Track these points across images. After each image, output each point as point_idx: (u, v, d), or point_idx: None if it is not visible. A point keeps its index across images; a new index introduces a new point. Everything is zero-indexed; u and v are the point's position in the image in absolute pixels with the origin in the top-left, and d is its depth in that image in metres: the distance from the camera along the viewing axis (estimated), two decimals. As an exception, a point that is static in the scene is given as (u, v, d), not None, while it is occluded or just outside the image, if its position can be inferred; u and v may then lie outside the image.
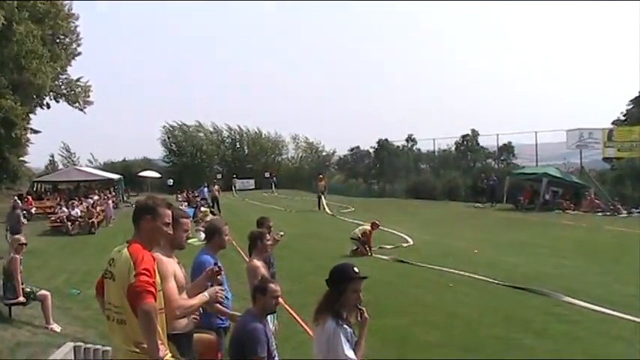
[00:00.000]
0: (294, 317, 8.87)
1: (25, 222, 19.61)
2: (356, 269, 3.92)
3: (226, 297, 5.40)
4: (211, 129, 62.09)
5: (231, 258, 12.50)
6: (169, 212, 3.83)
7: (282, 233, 7.66)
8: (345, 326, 3.82)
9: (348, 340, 3.77)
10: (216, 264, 4.89)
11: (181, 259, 4.46)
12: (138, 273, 3.39)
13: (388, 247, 16.88)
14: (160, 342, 3.43)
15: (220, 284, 4.52)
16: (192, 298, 4.26)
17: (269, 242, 6.58)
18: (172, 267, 4.17)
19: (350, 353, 3.73)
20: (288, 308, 8.90)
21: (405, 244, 17.58)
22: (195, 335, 4.46)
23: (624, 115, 39.46)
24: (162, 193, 42.64)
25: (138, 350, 3.46)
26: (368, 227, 16.11)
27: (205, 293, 4.32)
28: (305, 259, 14.83)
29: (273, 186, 51.37)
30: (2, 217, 20.25)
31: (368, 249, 15.69)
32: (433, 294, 11.15)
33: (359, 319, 3.92)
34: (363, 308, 3.92)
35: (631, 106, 39.13)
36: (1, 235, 17.80)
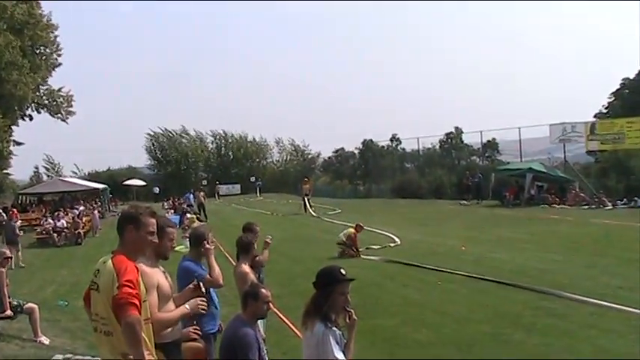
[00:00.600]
0: (284, 321, 8.86)
1: (21, 233, 19.64)
2: (343, 271, 3.91)
3: (215, 306, 5.39)
4: (194, 136, 62.10)
5: (219, 263, 12.43)
6: (153, 221, 3.79)
7: (270, 237, 7.66)
8: (334, 329, 3.81)
9: (337, 343, 3.76)
10: (197, 276, 4.88)
11: (167, 268, 4.43)
12: (121, 285, 3.36)
13: (376, 247, 16.92)
14: (147, 352, 3.41)
15: (203, 295, 4.47)
16: (173, 312, 4.20)
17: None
18: (156, 277, 4.11)
19: (340, 355, 3.72)
20: (277, 312, 8.88)
21: (392, 244, 17.62)
22: (183, 344, 4.43)
23: (606, 108, 39.94)
24: (148, 202, 42.54)
25: (125, 361, 3.43)
26: (352, 230, 16.13)
27: (187, 305, 4.27)
28: (292, 263, 14.81)
29: (258, 190, 51.35)
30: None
31: (356, 251, 15.69)
32: (422, 293, 11.18)
33: (347, 320, 3.91)
34: (352, 310, 3.92)
35: (612, 98, 39.60)
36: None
